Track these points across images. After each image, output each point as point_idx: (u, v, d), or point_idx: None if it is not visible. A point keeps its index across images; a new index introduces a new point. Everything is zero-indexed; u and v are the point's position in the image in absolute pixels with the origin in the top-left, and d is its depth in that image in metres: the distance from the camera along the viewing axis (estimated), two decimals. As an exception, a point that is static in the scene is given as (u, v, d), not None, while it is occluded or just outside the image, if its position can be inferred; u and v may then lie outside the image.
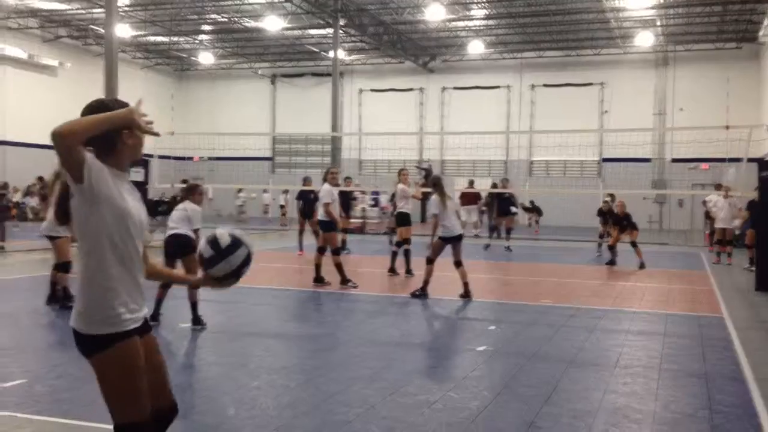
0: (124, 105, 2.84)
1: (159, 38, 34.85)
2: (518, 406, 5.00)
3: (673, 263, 16.61)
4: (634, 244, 15.36)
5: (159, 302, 7.89)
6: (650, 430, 4.54)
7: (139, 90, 38.06)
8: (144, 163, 15.81)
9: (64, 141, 2.60)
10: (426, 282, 10.17)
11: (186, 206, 7.90)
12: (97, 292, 2.71)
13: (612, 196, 17.83)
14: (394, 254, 12.82)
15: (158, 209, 18.37)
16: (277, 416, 4.70)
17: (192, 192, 8.13)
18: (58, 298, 8.88)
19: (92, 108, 2.84)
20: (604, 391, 5.42)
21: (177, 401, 3.00)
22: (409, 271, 12.43)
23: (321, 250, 11.36)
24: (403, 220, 12.86)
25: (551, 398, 5.20)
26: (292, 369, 6.07)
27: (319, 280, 11.30)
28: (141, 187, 15.62)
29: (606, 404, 5.09)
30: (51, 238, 8.84)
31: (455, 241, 10.14)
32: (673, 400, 5.27)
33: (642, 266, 14.83)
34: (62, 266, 8.79)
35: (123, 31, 29.07)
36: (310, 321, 8.66)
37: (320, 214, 11.48)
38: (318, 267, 11.31)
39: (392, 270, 12.73)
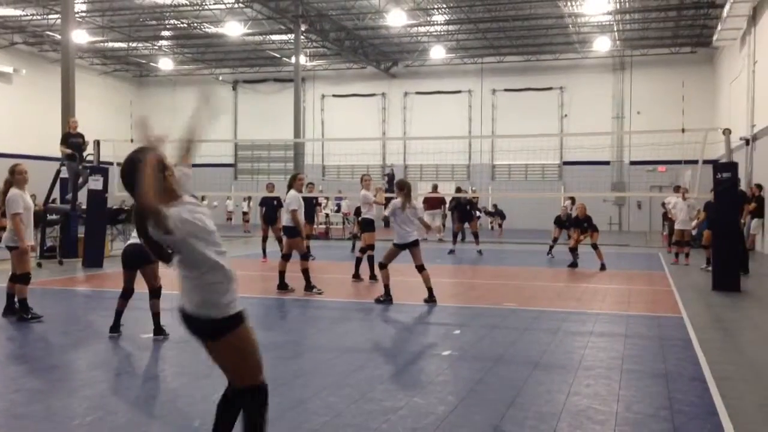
0: (147, 149, 3.31)
1: (117, 44, 34.36)
2: (483, 410, 5.02)
3: (633, 264, 16.88)
4: (595, 246, 15.58)
5: (119, 313, 7.76)
6: (613, 431, 4.59)
7: (97, 97, 37.61)
8: (103, 171, 15.54)
9: (153, 209, 3.12)
10: (386, 287, 10.16)
11: None
12: (214, 287, 3.37)
13: (572, 199, 18.09)
14: (359, 260, 12.81)
15: (118, 218, 18.10)
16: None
17: None
18: (14, 310, 8.66)
19: (127, 171, 3.30)
20: (567, 393, 5.48)
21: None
22: (373, 277, 12.43)
23: (286, 257, 11.29)
24: (367, 226, 12.86)
25: (516, 401, 5.24)
26: (257, 378, 6.01)
27: (283, 286, 11.23)
28: (100, 195, 15.36)
29: (570, 406, 5.14)
30: (10, 249, 8.62)
31: (411, 246, 10.12)
32: (635, 400, 5.34)
33: (603, 268, 15.06)
34: (22, 278, 8.57)
35: (80, 37, 28.61)
36: (274, 329, 8.60)
37: (285, 221, 11.43)
38: (282, 274, 11.25)
39: (357, 276, 12.71)
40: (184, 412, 4.99)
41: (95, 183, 15.35)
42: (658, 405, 5.21)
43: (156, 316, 7.65)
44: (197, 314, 3.40)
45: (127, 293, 7.74)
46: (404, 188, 10.32)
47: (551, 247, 18.17)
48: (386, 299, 10.09)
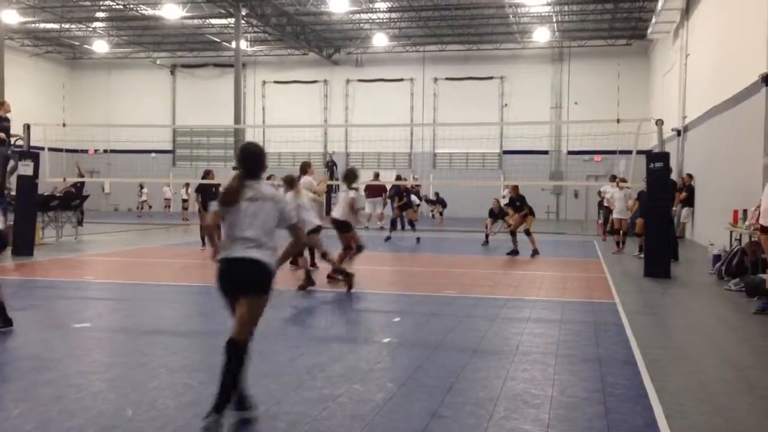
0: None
1: (49, 25, 33.19)
2: (422, 397, 5.06)
3: (570, 252, 17.26)
4: (528, 233, 15.87)
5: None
6: (548, 415, 4.69)
7: (28, 79, 36.36)
8: (34, 156, 15.01)
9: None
10: (337, 270, 10.21)
11: None
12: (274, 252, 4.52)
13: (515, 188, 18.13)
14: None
15: (50, 205, 17.55)
16: (177, 416, 4.57)
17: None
18: None
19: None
20: (504, 379, 5.56)
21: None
22: (313, 264, 12.35)
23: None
24: None
25: (454, 387, 5.29)
26: (194, 367, 5.92)
27: (342, 276, 11.14)
28: (30, 181, 14.84)
29: (506, 391, 5.22)
30: None
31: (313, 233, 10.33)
32: (569, 384, 5.46)
33: (535, 253, 15.36)
34: None
35: (10, 17, 27.57)
36: (213, 317, 8.47)
37: (340, 214, 11.20)
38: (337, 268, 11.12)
39: (295, 263, 12.53)
40: (116, 403, 4.87)
41: (25, 168, 14.82)
42: (592, 388, 5.34)
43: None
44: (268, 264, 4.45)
45: None
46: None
47: (487, 236, 18.44)
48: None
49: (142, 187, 32.69)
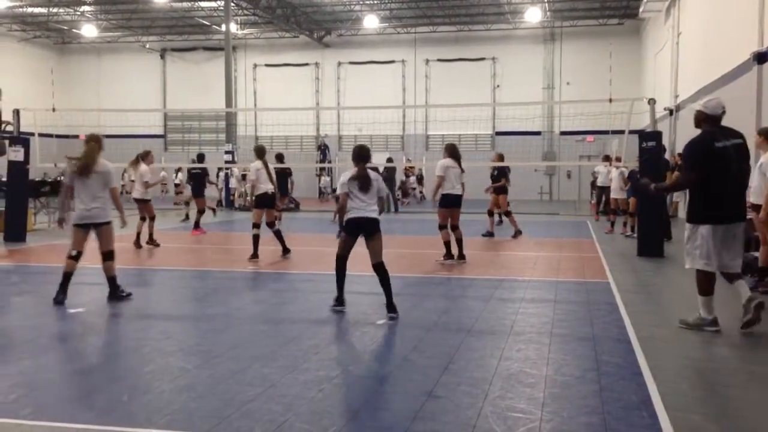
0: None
1: (37, 9, 32.88)
2: (417, 377, 5.07)
3: (563, 232, 17.29)
4: (507, 213, 15.80)
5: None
6: (543, 394, 4.71)
7: (16, 64, 36.04)
8: (24, 141, 14.91)
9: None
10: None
11: None
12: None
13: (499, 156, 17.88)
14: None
15: (41, 190, 17.46)
16: (173, 400, 4.58)
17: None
18: None
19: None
20: (499, 358, 5.58)
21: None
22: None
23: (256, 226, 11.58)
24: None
25: (449, 368, 5.31)
26: (189, 351, 5.92)
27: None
28: (21, 167, 14.75)
29: (501, 371, 5.24)
30: None
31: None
32: (563, 363, 5.49)
33: (518, 234, 15.28)
34: None
35: (-4, 1, 27.26)
36: (207, 301, 8.48)
37: (259, 190, 11.59)
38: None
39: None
40: (111, 387, 4.87)
41: (16, 154, 14.72)
42: (586, 367, 5.37)
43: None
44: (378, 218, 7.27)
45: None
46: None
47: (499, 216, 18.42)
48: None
49: (125, 171, 32.52)
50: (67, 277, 7.82)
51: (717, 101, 6.70)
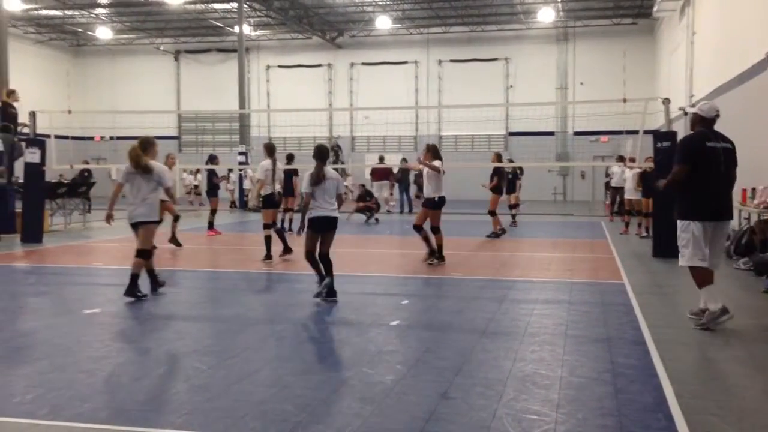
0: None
1: (52, 12, 33.13)
2: (432, 378, 5.07)
3: (577, 233, 17.22)
4: (492, 213, 15.79)
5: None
6: (557, 395, 4.69)
7: (32, 67, 36.31)
8: (40, 143, 15.03)
9: None
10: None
11: None
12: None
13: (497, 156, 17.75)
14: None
15: (57, 191, 17.59)
16: (188, 400, 4.60)
17: None
18: None
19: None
20: (513, 360, 5.57)
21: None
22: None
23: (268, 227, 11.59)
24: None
25: (463, 369, 5.30)
26: (203, 351, 5.94)
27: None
28: (38, 168, 14.87)
29: (515, 372, 5.23)
30: None
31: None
32: (578, 365, 5.46)
33: (493, 236, 15.41)
34: None
35: (13, 4, 27.46)
36: (220, 302, 8.51)
37: (266, 190, 11.58)
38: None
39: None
40: (127, 388, 4.90)
41: (32, 156, 14.85)
42: (601, 368, 5.34)
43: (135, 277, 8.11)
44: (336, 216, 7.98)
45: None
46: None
47: (514, 217, 18.41)
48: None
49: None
50: (149, 272, 8.46)
51: (711, 105, 7.15)
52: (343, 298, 7.92)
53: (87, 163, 21.76)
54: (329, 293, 8.03)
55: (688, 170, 6.67)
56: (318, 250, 8.00)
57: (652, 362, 5.49)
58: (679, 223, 6.85)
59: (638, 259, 12.12)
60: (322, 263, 8.03)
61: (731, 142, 6.91)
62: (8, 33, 19.52)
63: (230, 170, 27.29)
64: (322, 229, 8.00)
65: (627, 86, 17.76)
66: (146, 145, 8.40)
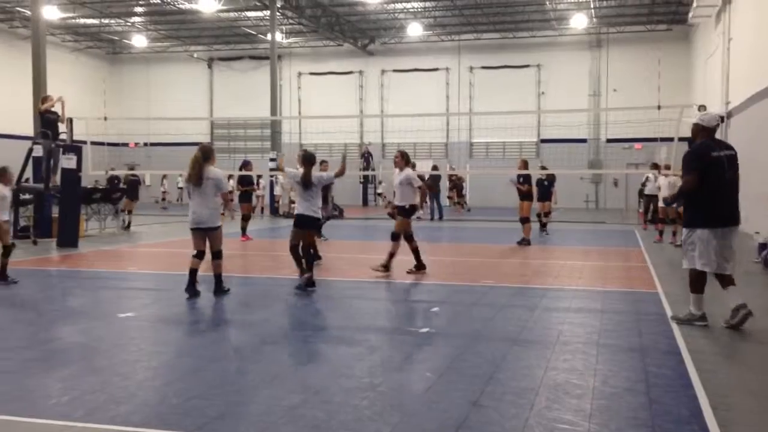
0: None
1: (89, 20, 33.77)
2: (462, 386, 5.04)
3: (610, 241, 17.02)
4: (524, 220, 15.63)
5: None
6: (590, 405, 4.64)
7: (69, 74, 37.02)
8: (76, 149, 15.30)
9: None
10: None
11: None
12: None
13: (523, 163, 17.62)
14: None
15: (92, 197, 17.88)
16: (219, 403, 4.63)
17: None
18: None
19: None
20: (545, 369, 5.52)
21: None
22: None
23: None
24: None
25: (494, 377, 5.27)
26: (234, 356, 5.99)
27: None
28: (74, 174, 15.14)
29: (547, 381, 5.18)
30: None
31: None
32: (611, 374, 5.39)
33: (523, 242, 15.30)
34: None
35: (51, 12, 28.05)
36: (252, 308, 8.57)
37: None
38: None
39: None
40: (160, 391, 4.96)
41: (69, 162, 15.12)
42: (635, 378, 5.27)
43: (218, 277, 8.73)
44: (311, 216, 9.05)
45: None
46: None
47: (543, 224, 18.27)
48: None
49: (164, 177, 33.54)
50: (192, 273, 8.63)
51: (712, 115, 7.39)
52: (373, 305, 7.92)
53: (132, 168, 22.14)
54: (308, 284, 9.05)
55: (695, 180, 6.91)
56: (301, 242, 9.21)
57: (687, 373, 5.40)
58: (685, 230, 7.24)
59: (672, 267, 11.94)
60: (303, 256, 9.20)
61: (733, 149, 7.15)
62: (47, 41, 19.90)
63: (260, 176, 27.48)
64: (300, 225, 9.24)
65: (661, 93, 17.54)
66: (208, 153, 8.66)
